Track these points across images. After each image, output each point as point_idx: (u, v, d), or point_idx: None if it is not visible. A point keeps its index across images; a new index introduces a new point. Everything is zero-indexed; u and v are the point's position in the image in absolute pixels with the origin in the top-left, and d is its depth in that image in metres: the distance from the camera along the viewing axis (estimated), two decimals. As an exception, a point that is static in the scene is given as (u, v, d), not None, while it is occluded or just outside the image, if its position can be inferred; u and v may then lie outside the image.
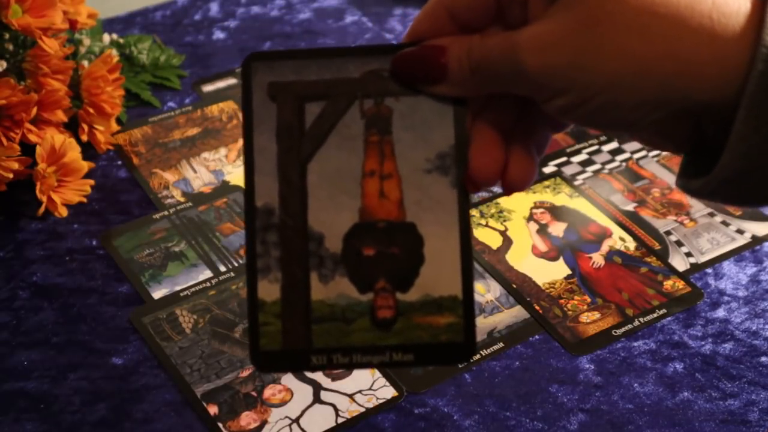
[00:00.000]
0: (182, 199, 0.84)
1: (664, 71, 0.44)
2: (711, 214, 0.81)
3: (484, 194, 0.83)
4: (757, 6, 0.43)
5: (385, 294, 0.51)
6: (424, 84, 0.49)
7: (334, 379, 0.69)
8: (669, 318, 0.73)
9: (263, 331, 0.51)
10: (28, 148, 0.80)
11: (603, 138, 0.89)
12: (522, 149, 0.50)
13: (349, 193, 0.51)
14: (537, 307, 0.74)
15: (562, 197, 0.83)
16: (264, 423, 0.66)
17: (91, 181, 0.83)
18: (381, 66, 0.50)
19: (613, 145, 0.89)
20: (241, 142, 0.90)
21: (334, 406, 0.67)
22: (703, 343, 0.72)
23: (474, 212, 0.81)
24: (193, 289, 0.76)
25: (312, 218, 0.50)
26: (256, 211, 0.50)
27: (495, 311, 0.74)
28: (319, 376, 0.69)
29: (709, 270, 0.77)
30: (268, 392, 0.68)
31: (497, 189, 0.83)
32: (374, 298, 0.50)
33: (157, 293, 0.76)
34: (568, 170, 0.86)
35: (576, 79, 0.45)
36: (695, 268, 0.77)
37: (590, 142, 0.89)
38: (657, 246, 0.79)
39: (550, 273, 0.76)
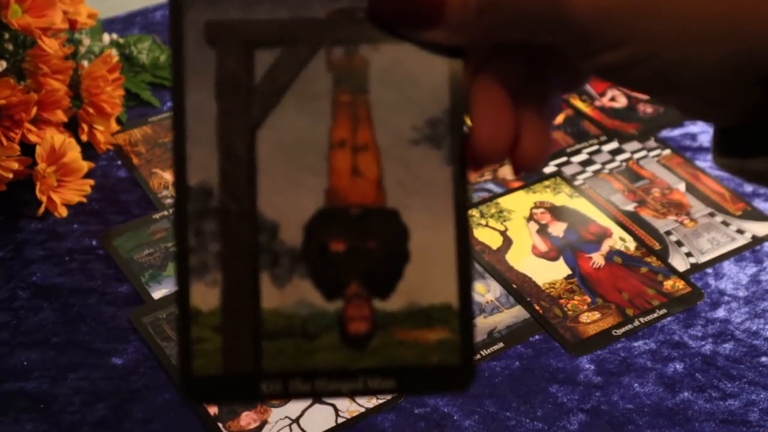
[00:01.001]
0: (182, 199, 0.84)
1: (760, 19, 0.34)
2: (711, 215, 0.81)
3: (484, 194, 0.83)
4: None
5: (358, 302, 0.39)
6: (412, 27, 0.38)
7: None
8: (669, 318, 0.73)
9: (197, 350, 0.39)
10: (28, 148, 0.80)
11: (603, 138, 0.89)
12: (535, 115, 0.39)
13: (312, 169, 0.39)
14: (537, 307, 0.74)
15: (562, 197, 0.83)
16: (264, 423, 0.66)
17: (91, 181, 0.83)
18: (354, 3, 0.39)
19: (614, 145, 0.89)
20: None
21: (333, 406, 0.67)
22: (703, 343, 0.72)
23: (474, 212, 0.81)
24: (193, 289, 0.76)
25: (263, 202, 0.39)
26: (188, 192, 0.39)
27: (495, 311, 0.73)
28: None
29: (709, 270, 0.77)
30: (268, 392, 0.68)
31: (496, 188, 0.83)
32: (344, 306, 0.39)
33: (157, 293, 0.76)
34: (568, 170, 0.86)
35: (640, 27, 0.34)
36: (695, 268, 0.77)
37: (590, 142, 0.89)
38: (657, 246, 0.78)
39: (550, 273, 0.76)
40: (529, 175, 0.84)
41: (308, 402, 0.68)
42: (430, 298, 0.39)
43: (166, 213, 0.83)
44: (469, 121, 0.39)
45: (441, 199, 0.39)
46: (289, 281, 0.39)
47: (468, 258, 0.39)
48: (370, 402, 0.68)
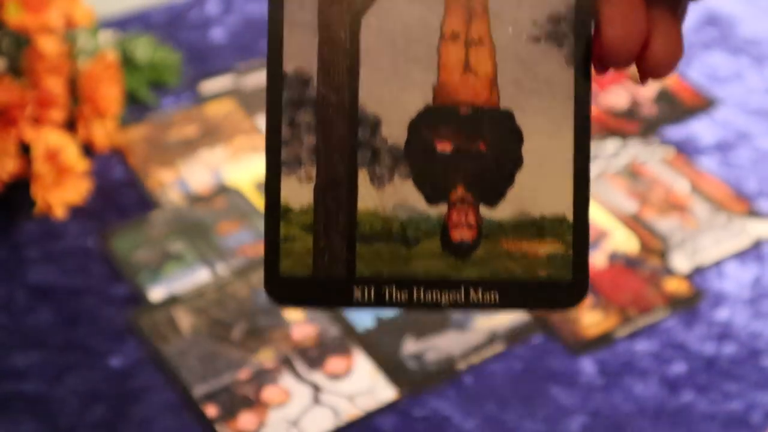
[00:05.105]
0: (180, 199, 0.84)
1: None
2: (713, 215, 0.81)
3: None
4: None
5: (463, 207, 0.37)
6: None
7: (333, 380, 0.69)
8: (671, 319, 0.73)
9: (286, 249, 0.37)
10: (25, 149, 0.80)
11: (605, 138, 0.89)
12: (668, 14, 0.36)
13: (421, 62, 0.36)
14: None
15: (563, 197, 0.82)
16: (262, 425, 0.66)
17: (89, 181, 0.83)
18: None
19: (616, 144, 0.88)
20: (238, 140, 0.89)
21: (333, 408, 0.67)
22: (705, 344, 0.71)
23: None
24: (192, 290, 0.75)
25: (365, 94, 0.36)
26: (283, 79, 0.36)
27: (495, 312, 0.73)
28: (318, 377, 0.69)
29: (711, 271, 0.77)
30: (266, 394, 0.68)
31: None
32: (448, 211, 0.37)
33: (155, 294, 0.75)
34: (568, 170, 0.85)
35: None
36: (697, 268, 0.77)
37: (592, 142, 0.88)
38: (659, 246, 0.78)
39: (551, 273, 0.76)
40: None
41: (308, 404, 0.67)
42: (543, 208, 0.37)
43: (164, 213, 0.82)
44: (596, 18, 0.36)
45: (560, 102, 0.37)
46: (389, 181, 0.37)
47: (586, 168, 0.37)
48: (370, 404, 0.67)
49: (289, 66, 0.36)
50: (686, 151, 0.87)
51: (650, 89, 0.93)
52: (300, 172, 0.37)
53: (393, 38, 0.36)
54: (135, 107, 0.94)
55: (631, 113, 0.92)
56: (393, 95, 0.36)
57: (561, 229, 0.37)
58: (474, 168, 0.37)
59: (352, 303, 0.37)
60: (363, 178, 0.37)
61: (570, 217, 0.37)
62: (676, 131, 0.90)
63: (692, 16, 1.02)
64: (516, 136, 0.37)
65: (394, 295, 0.37)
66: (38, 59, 0.80)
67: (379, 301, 0.37)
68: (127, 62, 0.96)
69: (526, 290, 0.37)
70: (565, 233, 0.37)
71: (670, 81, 0.94)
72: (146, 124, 0.92)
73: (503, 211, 0.37)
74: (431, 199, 0.37)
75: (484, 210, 0.37)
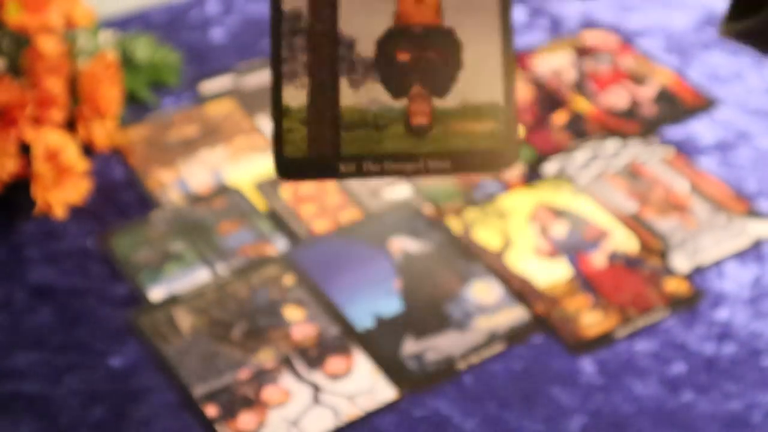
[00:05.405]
0: (180, 199, 0.84)
1: None
2: (713, 215, 0.81)
3: (483, 195, 0.83)
4: None
5: (420, 99, 0.49)
6: None
7: (333, 380, 0.69)
8: (671, 319, 0.73)
9: (288, 138, 0.50)
10: (25, 149, 0.80)
11: (605, 138, 0.89)
12: None
13: None
14: (538, 308, 0.73)
15: (564, 197, 0.82)
16: (262, 425, 0.66)
17: (89, 181, 0.83)
18: None
19: (616, 145, 0.88)
20: (238, 140, 0.90)
21: (333, 408, 0.67)
22: (705, 344, 0.71)
23: (475, 211, 0.81)
24: (192, 290, 0.75)
25: (343, 22, 0.49)
26: (282, 15, 0.50)
27: (496, 312, 0.73)
28: (318, 377, 0.69)
29: (711, 271, 0.77)
30: (266, 394, 0.68)
31: (497, 188, 0.83)
32: (409, 103, 0.49)
33: (155, 294, 0.75)
34: (570, 170, 0.85)
35: None
36: (697, 268, 0.77)
37: (592, 142, 0.88)
38: (659, 246, 0.78)
39: (551, 273, 0.76)
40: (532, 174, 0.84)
41: (308, 404, 0.67)
42: (480, 97, 0.49)
43: (163, 213, 0.82)
44: None
45: (489, 18, 0.49)
46: (363, 84, 0.49)
47: (511, 65, 0.49)
48: (370, 404, 0.67)
49: (286, 6, 0.49)
50: (686, 151, 0.87)
51: (650, 89, 0.93)
52: (296, 81, 0.49)
53: None
54: (135, 107, 0.94)
55: (631, 113, 0.92)
56: (363, 22, 0.49)
57: (495, 111, 0.49)
58: (426, 71, 0.49)
59: (338, 175, 0.49)
60: (343, 83, 0.49)
61: (501, 102, 0.49)
62: (676, 131, 0.90)
63: (692, 16, 1.02)
64: (457, 46, 0.49)
65: (370, 168, 0.49)
66: (38, 59, 0.80)
67: (359, 173, 0.49)
68: (127, 62, 0.96)
69: (471, 158, 0.49)
70: (498, 114, 0.49)
71: (670, 81, 0.94)
72: (146, 124, 0.92)
73: (450, 102, 0.49)
74: (395, 95, 0.49)
75: (435, 101, 0.49)
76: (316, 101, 0.50)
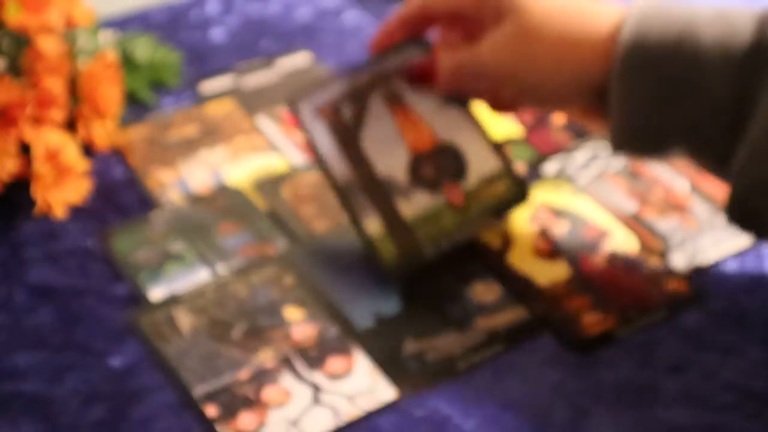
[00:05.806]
0: (180, 199, 0.84)
1: (572, 62, 0.68)
2: (713, 215, 0.81)
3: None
4: (617, 24, 0.67)
5: (452, 186, 0.74)
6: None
7: (333, 380, 0.69)
8: (671, 319, 0.73)
9: (383, 253, 0.72)
10: (25, 149, 0.80)
11: (605, 138, 0.89)
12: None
13: (396, 141, 0.74)
14: (537, 308, 0.73)
15: (564, 197, 0.82)
16: (262, 425, 0.66)
17: (89, 181, 0.83)
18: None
19: (614, 144, 0.88)
20: (238, 140, 0.90)
21: (333, 408, 0.67)
22: (705, 344, 0.71)
23: (474, 212, 0.81)
24: (192, 290, 0.75)
25: (377, 166, 0.74)
26: (336, 182, 0.73)
27: (495, 312, 0.73)
28: (318, 377, 0.69)
29: (711, 271, 0.77)
30: (266, 394, 0.68)
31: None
32: (446, 193, 0.73)
33: (155, 294, 0.75)
34: (569, 170, 0.85)
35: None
36: (697, 268, 0.76)
37: (592, 141, 0.88)
38: (659, 246, 0.78)
39: (550, 273, 0.76)
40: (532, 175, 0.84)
41: (308, 404, 0.67)
42: (487, 170, 0.75)
43: (164, 213, 0.82)
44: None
45: (468, 126, 0.76)
46: (412, 196, 0.74)
47: (496, 144, 0.76)
48: (370, 404, 0.67)
49: (335, 173, 0.74)
50: (686, 151, 0.87)
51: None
52: (370, 216, 0.73)
53: (380, 138, 0.74)
54: (135, 107, 0.94)
55: (631, 113, 0.91)
56: (389, 162, 0.74)
57: (501, 173, 0.76)
58: (447, 171, 0.75)
59: (427, 256, 0.73)
60: (399, 202, 0.73)
61: (501, 165, 0.76)
62: (676, 131, 0.90)
63: (692, 16, 1.02)
64: (458, 151, 0.75)
65: (444, 242, 0.74)
66: (38, 59, 0.80)
67: (439, 248, 0.74)
68: (127, 62, 0.97)
69: (502, 205, 0.76)
70: (503, 175, 0.76)
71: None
72: (146, 124, 0.92)
73: (472, 182, 0.75)
74: (435, 193, 0.74)
75: (462, 185, 0.75)
76: (389, 221, 0.72)
